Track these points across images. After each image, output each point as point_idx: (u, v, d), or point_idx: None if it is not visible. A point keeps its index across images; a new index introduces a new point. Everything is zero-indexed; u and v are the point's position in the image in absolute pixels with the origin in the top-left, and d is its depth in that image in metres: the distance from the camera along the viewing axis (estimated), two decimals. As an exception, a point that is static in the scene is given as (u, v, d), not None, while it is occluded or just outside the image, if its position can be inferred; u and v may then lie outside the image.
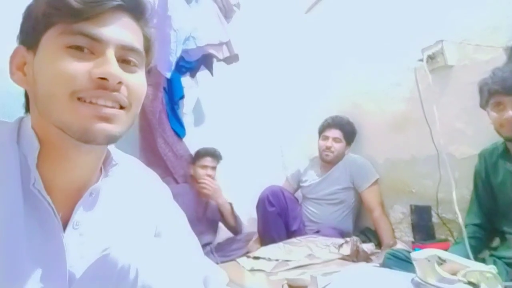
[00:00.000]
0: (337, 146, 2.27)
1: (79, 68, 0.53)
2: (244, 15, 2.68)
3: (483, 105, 1.37)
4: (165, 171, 2.53)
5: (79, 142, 0.55)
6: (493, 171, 1.43)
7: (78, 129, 0.53)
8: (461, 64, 1.70)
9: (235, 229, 2.40)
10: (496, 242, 1.48)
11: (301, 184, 2.46)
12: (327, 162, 2.30)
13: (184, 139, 2.67)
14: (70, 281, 0.56)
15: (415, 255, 1.03)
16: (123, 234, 0.64)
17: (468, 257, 1.23)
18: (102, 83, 0.54)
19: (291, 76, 3.02)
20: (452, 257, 1.01)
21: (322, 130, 2.35)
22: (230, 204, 2.37)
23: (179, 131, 2.64)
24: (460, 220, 1.38)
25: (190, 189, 2.45)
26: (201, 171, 2.38)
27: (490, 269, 0.94)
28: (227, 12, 2.55)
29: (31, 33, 0.57)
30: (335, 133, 2.28)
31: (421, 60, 1.77)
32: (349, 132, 2.31)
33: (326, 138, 2.29)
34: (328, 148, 2.27)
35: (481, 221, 1.48)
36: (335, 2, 2.45)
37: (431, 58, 1.76)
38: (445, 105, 1.73)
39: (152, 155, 2.48)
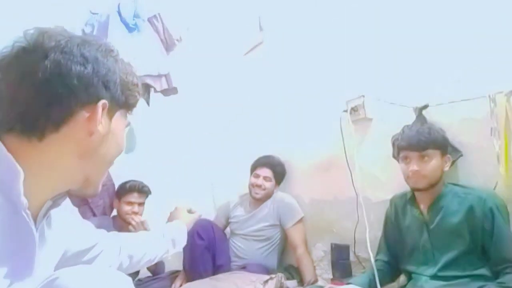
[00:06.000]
0: (267, 185, 2.35)
1: None
2: (186, 50, 2.75)
3: (395, 157, 1.56)
4: (81, 199, 2.39)
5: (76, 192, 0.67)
6: (402, 215, 1.61)
7: (95, 191, 0.70)
8: (378, 118, 1.92)
9: (154, 271, 2.31)
10: (403, 281, 1.65)
11: (230, 220, 2.48)
12: (257, 199, 2.36)
13: (111, 167, 2.58)
14: None
15: (335, 291, 1.12)
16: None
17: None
18: None
19: (226, 114, 3.11)
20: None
21: (254, 168, 2.42)
22: None
23: (105, 159, 2.54)
24: (372, 259, 1.55)
25: (112, 224, 2.33)
26: (126, 208, 2.27)
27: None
28: (168, 46, 2.60)
29: (116, 101, 0.66)
30: (266, 172, 2.36)
31: (346, 111, 1.97)
32: (279, 173, 2.40)
33: (258, 176, 2.36)
34: (258, 186, 2.33)
35: (388, 259, 1.66)
36: (272, 48, 2.63)
37: (354, 110, 1.96)
38: (364, 152, 1.93)
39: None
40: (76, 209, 2.27)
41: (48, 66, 0.58)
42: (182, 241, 1.21)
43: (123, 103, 0.67)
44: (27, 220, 0.57)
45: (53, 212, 0.69)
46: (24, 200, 0.56)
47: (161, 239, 1.15)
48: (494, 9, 1.48)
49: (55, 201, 0.66)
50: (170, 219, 1.34)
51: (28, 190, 0.57)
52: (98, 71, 0.62)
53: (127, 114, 0.72)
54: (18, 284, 0.57)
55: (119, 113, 0.68)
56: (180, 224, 1.26)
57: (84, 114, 0.61)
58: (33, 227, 0.59)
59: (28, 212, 0.57)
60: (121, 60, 0.68)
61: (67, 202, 0.76)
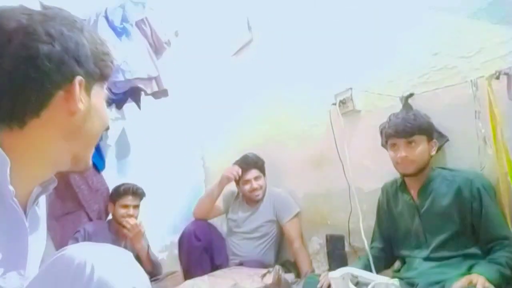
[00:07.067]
0: (261, 183, 2.36)
1: None
2: (175, 52, 2.78)
3: (384, 145, 1.61)
4: (76, 204, 2.41)
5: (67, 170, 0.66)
6: (394, 202, 1.65)
7: (86, 167, 0.69)
8: (367, 110, 1.97)
9: (152, 274, 2.30)
10: (398, 265, 1.68)
11: (228, 216, 2.49)
12: (258, 200, 2.36)
13: (105, 171, 2.59)
14: None
15: (332, 274, 1.15)
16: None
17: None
18: None
19: (217, 114, 3.14)
20: (362, 273, 1.14)
21: (240, 175, 2.35)
22: (148, 246, 2.28)
23: (97, 164, 2.55)
24: (366, 246, 1.58)
25: (108, 228, 2.34)
26: (122, 211, 2.27)
27: (393, 281, 1.09)
28: (157, 49, 2.63)
29: (91, 75, 0.64)
30: (254, 172, 2.34)
31: (335, 104, 2.01)
32: (261, 165, 2.39)
33: (249, 180, 2.34)
34: (254, 189, 2.33)
35: (382, 246, 1.69)
36: (260, 48, 2.67)
37: (342, 103, 2.00)
38: (354, 144, 1.97)
39: (64, 187, 2.35)
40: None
41: (15, 50, 0.56)
42: None
43: (98, 75, 0.65)
44: (16, 208, 0.56)
45: (40, 198, 0.68)
46: (11, 188, 0.55)
47: None
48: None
49: (45, 187, 0.66)
50: None
51: (15, 178, 0.55)
52: (67, 47, 0.59)
53: (104, 86, 0.69)
54: (12, 273, 0.57)
55: (96, 86, 0.66)
56: None
57: (61, 94, 0.59)
58: (22, 215, 0.58)
59: (15, 200, 0.56)
60: (87, 30, 0.64)
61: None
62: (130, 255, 0.61)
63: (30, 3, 0.62)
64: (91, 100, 0.64)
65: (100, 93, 0.67)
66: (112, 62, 0.68)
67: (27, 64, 0.56)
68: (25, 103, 0.57)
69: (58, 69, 0.58)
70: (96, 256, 0.55)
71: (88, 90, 0.63)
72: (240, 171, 2.31)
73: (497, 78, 1.40)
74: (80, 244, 0.60)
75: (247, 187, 2.34)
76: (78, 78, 0.60)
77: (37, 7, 0.62)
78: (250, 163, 2.36)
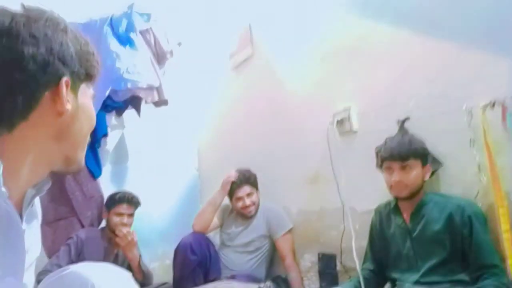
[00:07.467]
0: (254, 199, 2.35)
1: None
2: (177, 62, 2.81)
3: (379, 167, 1.62)
4: (69, 210, 2.41)
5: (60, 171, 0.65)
6: (386, 224, 1.66)
7: (79, 167, 0.68)
8: (364, 131, 1.99)
9: (142, 284, 2.27)
10: (387, 287, 1.68)
11: (222, 230, 2.49)
12: (251, 217, 2.36)
13: (101, 178, 2.59)
14: None
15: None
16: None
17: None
18: None
19: (215, 125, 3.17)
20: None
21: (232, 192, 2.37)
22: (140, 256, 2.27)
23: (94, 170, 2.55)
24: (358, 266, 1.58)
25: (101, 235, 2.33)
26: (116, 219, 2.26)
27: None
28: (160, 58, 2.66)
29: (77, 75, 0.64)
30: (246, 189, 2.34)
31: (332, 123, 2.04)
32: (254, 181, 2.40)
33: (240, 198, 2.34)
34: (247, 206, 2.33)
35: (374, 267, 1.70)
36: (259, 64, 2.70)
37: (340, 123, 2.02)
38: (350, 164, 1.98)
39: (58, 192, 2.35)
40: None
41: None
42: None
43: (84, 75, 0.66)
44: (10, 210, 0.56)
45: (35, 201, 0.68)
46: (3, 190, 0.54)
47: None
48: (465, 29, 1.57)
49: (39, 188, 0.66)
50: None
51: (8, 182, 0.55)
52: (52, 48, 0.59)
53: (91, 85, 0.70)
54: (9, 279, 0.56)
55: (83, 87, 0.67)
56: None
57: (48, 95, 0.60)
58: (18, 218, 0.58)
59: (9, 202, 0.56)
60: (70, 31, 0.65)
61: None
62: (129, 276, 0.61)
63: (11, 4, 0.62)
64: (78, 100, 0.65)
65: (86, 92, 0.68)
66: (97, 62, 0.69)
67: (12, 67, 0.56)
68: (13, 106, 0.57)
69: (43, 71, 0.58)
70: (98, 277, 0.55)
71: (74, 90, 0.64)
72: (237, 174, 2.33)
73: (492, 107, 1.42)
74: (82, 264, 0.60)
75: (239, 204, 2.34)
76: (64, 79, 0.61)
77: (18, 8, 0.62)
78: (242, 180, 2.35)
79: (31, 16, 0.60)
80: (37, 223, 0.70)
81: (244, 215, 2.37)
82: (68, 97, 0.62)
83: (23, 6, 0.62)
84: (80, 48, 0.65)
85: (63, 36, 0.62)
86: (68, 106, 0.61)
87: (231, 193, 2.38)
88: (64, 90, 0.61)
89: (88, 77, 0.67)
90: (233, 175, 2.35)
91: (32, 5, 0.64)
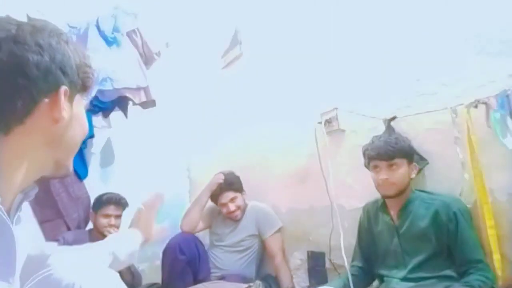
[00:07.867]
0: (238, 203, 2.34)
1: None
2: (165, 64, 2.79)
3: (367, 166, 1.64)
4: (55, 212, 2.36)
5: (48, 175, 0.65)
6: (374, 222, 1.69)
7: (67, 172, 0.70)
8: (351, 129, 2.01)
9: (131, 285, 2.26)
10: (376, 285, 1.71)
11: (212, 230, 2.49)
12: (238, 220, 2.36)
13: (88, 179, 2.56)
14: None
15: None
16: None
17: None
18: None
19: (203, 126, 3.16)
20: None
21: (216, 197, 2.35)
22: None
23: (80, 172, 2.52)
24: (346, 264, 1.61)
25: (88, 237, 2.30)
26: (103, 221, 2.24)
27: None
28: (147, 59, 2.63)
29: (74, 85, 0.66)
30: (230, 194, 2.32)
31: (320, 123, 2.05)
32: (237, 185, 2.38)
33: (224, 205, 2.33)
34: (232, 212, 2.32)
35: (362, 264, 1.72)
36: (249, 63, 2.71)
37: (328, 122, 2.04)
38: (338, 163, 2.01)
39: (43, 194, 2.31)
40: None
41: (4, 58, 0.58)
42: (128, 255, 1.06)
43: (80, 86, 0.69)
44: (2, 215, 0.56)
45: (23, 205, 0.68)
46: None
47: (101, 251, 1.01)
48: (453, 31, 1.60)
49: (26, 193, 0.66)
50: (133, 224, 1.21)
51: (1, 186, 0.56)
52: (55, 57, 0.62)
53: (84, 96, 0.73)
54: (2, 284, 0.57)
55: (78, 97, 0.69)
56: (133, 234, 1.14)
57: (46, 102, 0.61)
58: (9, 222, 0.58)
59: (1, 207, 0.56)
60: (71, 43, 0.68)
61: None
62: (116, 275, 0.61)
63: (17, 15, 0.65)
64: (73, 109, 0.67)
65: (81, 102, 0.71)
66: (93, 74, 0.72)
67: (15, 71, 0.58)
68: (12, 110, 0.58)
69: (45, 78, 0.61)
70: (84, 277, 0.55)
71: (71, 99, 0.66)
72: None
73: (476, 106, 1.46)
74: (69, 264, 0.59)
75: (224, 209, 2.34)
76: (63, 88, 0.63)
77: (24, 19, 0.64)
78: (223, 186, 2.33)
79: (36, 26, 0.63)
80: (21, 228, 0.69)
81: (233, 220, 2.37)
82: (65, 105, 0.64)
83: (28, 16, 0.65)
84: (79, 60, 0.68)
85: (65, 47, 0.65)
86: (65, 114, 0.64)
87: (214, 198, 2.37)
88: (63, 98, 0.63)
89: (84, 88, 0.70)
90: (222, 176, 2.34)
91: (44, 11, 0.66)
